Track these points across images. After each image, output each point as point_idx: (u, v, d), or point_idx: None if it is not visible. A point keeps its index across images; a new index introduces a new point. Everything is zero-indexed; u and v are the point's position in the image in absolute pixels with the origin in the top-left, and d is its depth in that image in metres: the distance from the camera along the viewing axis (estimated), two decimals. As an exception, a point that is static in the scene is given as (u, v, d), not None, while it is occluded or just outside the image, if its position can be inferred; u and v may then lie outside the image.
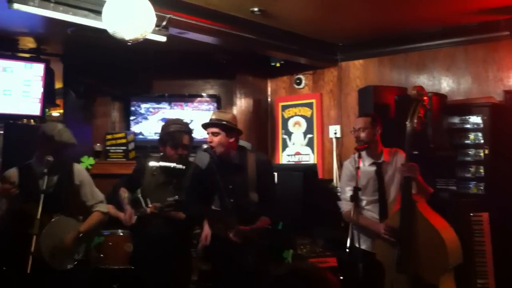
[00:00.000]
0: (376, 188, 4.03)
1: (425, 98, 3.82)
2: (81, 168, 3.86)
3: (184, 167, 3.91)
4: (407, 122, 3.73)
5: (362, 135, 4.02)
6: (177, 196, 3.69)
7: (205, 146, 3.78)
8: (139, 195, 4.05)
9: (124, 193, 4.01)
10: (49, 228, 3.40)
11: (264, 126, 6.72)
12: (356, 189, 3.73)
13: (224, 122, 3.76)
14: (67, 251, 3.51)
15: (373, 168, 4.05)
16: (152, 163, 4.00)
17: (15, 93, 5.59)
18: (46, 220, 3.36)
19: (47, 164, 3.39)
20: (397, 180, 3.98)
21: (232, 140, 3.78)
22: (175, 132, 3.95)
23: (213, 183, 3.70)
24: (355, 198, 3.71)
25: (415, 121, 3.71)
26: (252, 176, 3.76)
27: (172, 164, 3.90)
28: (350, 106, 6.04)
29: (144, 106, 6.44)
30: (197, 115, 6.37)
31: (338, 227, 4.77)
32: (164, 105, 6.45)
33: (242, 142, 4.12)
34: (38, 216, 3.09)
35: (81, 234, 3.59)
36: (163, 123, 4.19)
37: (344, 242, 3.81)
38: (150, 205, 3.80)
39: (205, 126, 3.86)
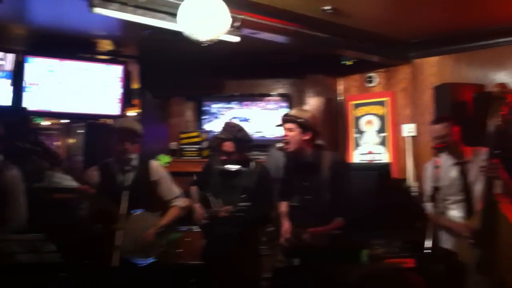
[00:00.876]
0: (460, 188, 3.91)
1: (509, 95, 3.67)
2: (158, 165, 3.98)
3: (248, 169, 3.97)
4: (489, 120, 3.59)
5: (446, 139, 3.92)
6: (248, 203, 3.81)
7: (278, 145, 3.81)
8: (208, 194, 4.17)
9: (194, 191, 4.16)
10: (130, 223, 3.52)
11: (335, 125, 6.66)
12: (435, 189, 3.64)
13: (300, 120, 3.76)
14: (148, 245, 3.62)
15: (456, 168, 3.94)
16: (217, 166, 4.12)
17: (96, 94, 5.85)
18: (127, 215, 3.48)
19: (126, 162, 3.52)
20: (482, 180, 3.84)
21: (306, 138, 3.78)
22: (215, 139, 4.06)
23: (290, 180, 3.74)
24: (434, 198, 3.62)
25: (498, 119, 3.57)
26: (326, 177, 3.75)
27: (232, 167, 4.00)
28: (424, 104, 5.88)
29: (215, 106, 6.57)
30: (265, 115, 6.43)
31: (414, 228, 4.66)
32: (234, 104, 6.54)
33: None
34: (120, 212, 3.21)
35: (161, 229, 3.69)
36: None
37: (421, 242, 3.72)
38: (222, 209, 3.90)
39: (282, 121, 3.89)
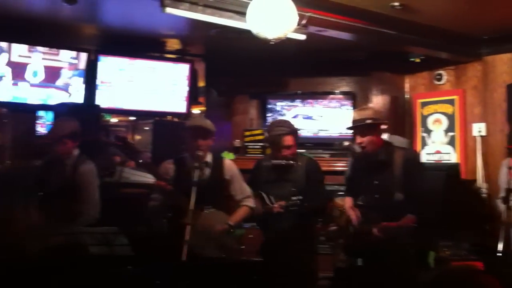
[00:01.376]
0: None
1: None
2: (231, 163, 4.03)
3: (293, 162, 4.00)
4: None
5: None
6: (301, 196, 3.82)
7: (346, 143, 3.80)
8: (261, 192, 4.22)
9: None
10: (201, 220, 3.59)
11: (401, 124, 6.52)
12: (507, 191, 3.51)
13: (368, 121, 3.72)
14: (217, 242, 3.68)
15: None
16: (265, 162, 4.15)
17: (163, 92, 6.01)
18: (198, 211, 3.55)
19: (197, 158, 3.59)
20: None
21: (378, 136, 3.76)
22: (276, 136, 4.07)
23: (357, 178, 3.71)
24: (506, 200, 3.49)
25: None
26: (398, 174, 3.69)
27: (282, 161, 4.02)
28: (497, 103, 5.67)
29: (279, 103, 6.59)
30: (329, 113, 6.39)
31: (482, 230, 4.52)
32: (297, 102, 6.53)
33: (397, 138, 4.09)
34: (191, 207, 3.28)
35: (230, 228, 3.75)
36: (269, 125, 4.34)
37: (490, 245, 3.60)
38: (275, 204, 3.92)
39: (351, 129, 3.86)
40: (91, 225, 3.92)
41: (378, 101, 6.45)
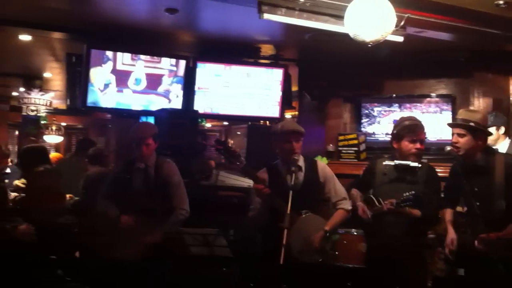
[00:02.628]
0: None
1: None
2: (324, 165, 3.99)
3: (419, 165, 3.82)
4: None
5: None
6: (413, 191, 3.62)
7: (448, 148, 3.64)
8: (371, 195, 4.09)
9: (355, 193, 4.10)
10: (298, 224, 3.60)
11: (507, 129, 6.17)
12: None
13: (471, 124, 3.55)
14: (314, 247, 3.67)
15: None
16: (386, 162, 3.98)
17: (257, 96, 6.11)
18: (295, 215, 3.56)
19: (293, 163, 3.60)
20: None
21: (479, 142, 3.56)
22: (413, 125, 3.88)
23: (458, 185, 3.55)
24: None
25: None
26: (499, 181, 3.49)
27: (408, 162, 3.84)
28: None
29: (374, 107, 6.46)
30: (427, 117, 6.17)
31: None
32: (394, 107, 6.37)
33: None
34: (288, 211, 3.30)
35: (327, 233, 3.72)
36: (397, 120, 4.16)
37: None
38: (386, 202, 3.78)
39: (451, 125, 3.70)
40: (190, 225, 4.02)
41: (479, 104, 6.14)
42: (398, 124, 4.02)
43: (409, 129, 3.86)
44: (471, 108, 5.20)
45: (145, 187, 4.07)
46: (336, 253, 4.85)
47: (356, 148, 6.24)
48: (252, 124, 6.32)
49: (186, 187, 5.22)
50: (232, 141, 11.99)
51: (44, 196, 4.60)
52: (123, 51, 5.48)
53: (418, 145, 3.89)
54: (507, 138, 4.91)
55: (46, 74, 8.26)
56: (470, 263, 3.70)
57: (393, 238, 3.82)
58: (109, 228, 4.06)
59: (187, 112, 5.53)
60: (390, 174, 3.95)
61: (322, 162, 4.06)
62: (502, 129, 4.91)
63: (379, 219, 3.89)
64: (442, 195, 4.03)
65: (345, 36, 3.95)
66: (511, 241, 3.43)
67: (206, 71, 5.87)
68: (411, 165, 3.83)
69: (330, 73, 6.38)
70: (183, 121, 4.87)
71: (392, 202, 3.72)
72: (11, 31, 5.50)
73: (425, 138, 3.99)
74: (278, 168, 3.82)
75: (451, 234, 3.73)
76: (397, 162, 3.90)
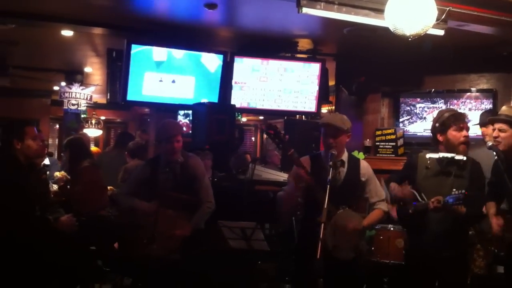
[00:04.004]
0: None
1: None
2: (367, 165, 3.92)
3: (465, 158, 3.71)
4: None
5: None
6: (464, 190, 3.47)
7: (489, 143, 3.57)
8: (413, 190, 3.98)
9: (394, 187, 4.01)
10: (335, 219, 3.57)
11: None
12: None
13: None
14: (349, 243, 3.65)
15: None
16: (429, 155, 3.86)
17: (294, 91, 6.10)
18: (333, 211, 3.55)
19: (331, 157, 3.57)
20: None
21: None
22: (457, 114, 3.75)
23: (500, 182, 3.47)
24: None
25: None
26: None
27: (453, 154, 3.72)
28: None
29: (413, 102, 6.38)
30: (470, 112, 6.05)
31: None
32: (439, 103, 6.26)
33: None
34: (325, 206, 3.28)
35: (365, 229, 3.71)
36: (436, 115, 4.04)
37: None
38: (432, 199, 3.67)
39: (493, 121, 3.63)
40: (228, 219, 4.05)
41: (522, 99, 6.00)
42: (440, 116, 3.89)
43: (454, 118, 3.71)
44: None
45: (173, 182, 4.14)
46: (372, 248, 4.85)
47: (393, 143, 6.17)
48: (288, 118, 6.31)
49: (223, 180, 5.30)
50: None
51: (88, 189, 4.74)
52: (162, 45, 5.54)
53: (465, 133, 3.74)
54: None
55: (87, 69, 8.44)
56: (509, 260, 3.63)
57: (436, 236, 3.73)
58: (145, 221, 4.14)
59: (225, 106, 5.57)
60: (433, 168, 3.83)
61: (365, 162, 3.99)
62: None
63: (422, 215, 3.80)
64: (486, 191, 3.94)
65: (385, 30, 3.92)
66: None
67: (243, 66, 5.89)
68: (456, 157, 3.69)
69: (368, 68, 6.32)
70: (221, 116, 4.89)
71: (439, 199, 3.55)
72: (53, 27, 5.62)
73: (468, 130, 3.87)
74: (321, 159, 3.79)
75: (498, 220, 3.62)
76: (441, 154, 3.78)
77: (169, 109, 5.76)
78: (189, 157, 4.24)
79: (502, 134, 3.53)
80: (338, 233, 3.59)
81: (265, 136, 11.98)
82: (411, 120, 6.34)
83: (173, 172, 4.15)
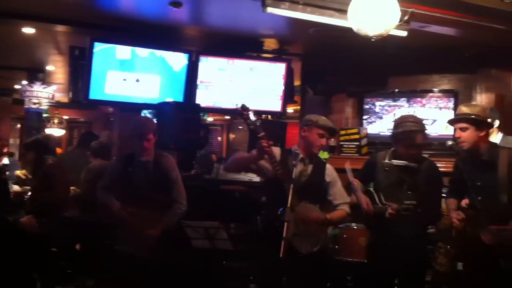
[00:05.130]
0: None
1: None
2: (332, 167, 3.97)
3: (416, 165, 3.82)
4: None
5: None
6: (415, 202, 3.66)
7: (450, 142, 3.64)
8: (371, 189, 4.09)
9: (357, 184, 4.10)
10: (297, 211, 3.54)
11: (509, 124, 6.16)
12: None
13: (472, 116, 3.55)
14: (312, 233, 3.65)
15: None
16: (385, 161, 3.98)
17: (260, 91, 6.11)
18: (296, 204, 3.54)
19: (295, 156, 3.59)
20: None
21: (482, 134, 3.57)
22: (409, 132, 3.87)
23: (461, 179, 3.56)
24: None
25: None
26: (504, 175, 3.49)
27: (405, 162, 3.85)
28: None
29: (377, 103, 6.45)
30: (430, 112, 6.17)
31: None
32: (398, 102, 6.36)
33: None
34: (289, 205, 3.29)
35: (326, 220, 3.72)
36: (397, 120, 4.13)
37: None
38: (389, 209, 3.79)
39: (452, 121, 3.71)
40: (192, 219, 4.03)
41: (482, 99, 6.14)
42: (396, 125, 4.01)
43: (404, 136, 3.86)
44: (472, 103, 5.19)
45: (144, 181, 4.08)
46: (336, 247, 4.89)
47: (357, 143, 6.23)
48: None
49: (189, 180, 5.26)
50: (234, 136, 12.02)
51: (50, 189, 4.64)
52: (126, 44, 5.47)
53: (412, 150, 3.88)
54: (499, 132, 4.94)
55: (49, 67, 8.27)
56: (470, 256, 3.71)
57: (396, 235, 3.82)
58: (112, 221, 4.08)
59: (190, 105, 5.53)
60: (391, 171, 3.95)
61: (330, 165, 4.02)
62: (497, 122, 4.94)
63: (382, 215, 3.89)
64: (447, 189, 4.04)
65: (350, 30, 3.95)
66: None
67: (209, 65, 5.87)
68: (408, 165, 3.85)
69: (334, 68, 6.38)
70: (186, 115, 4.87)
71: (394, 208, 3.73)
72: (14, 24, 5.49)
73: (425, 139, 3.92)
74: (290, 156, 3.80)
75: (459, 215, 3.67)
76: (395, 162, 3.91)
77: (133, 108, 5.68)
78: (162, 157, 4.18)
79: (463, 134, 3.59)
80: (300, 224, 3.58)
81: (231, 135, 11.99)
82: (370, 120, 6.42)
83: (145, 171, 4.09)
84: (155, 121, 4.21)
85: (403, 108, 6.29)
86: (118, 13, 5.10)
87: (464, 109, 3.69)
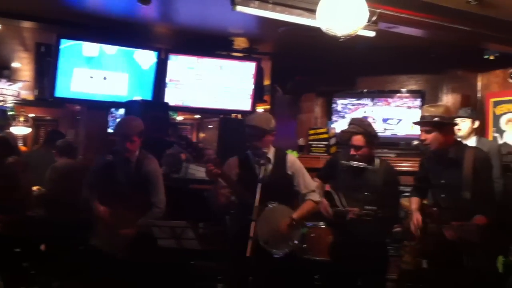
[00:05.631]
0: None
1: None
2: (294, 158, 3.98)
3: (371, 167, 3.87)
4: None
5: None
6: (375, 207, 3.76)
7: (415, 142, 3.71)
8: (331, 190, 4.18)
9: (318, 183, 4.17)
10: (265, 215, 3.57)
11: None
12: None
13: (436, 119, 3.61)
14: (282, 237, 3.67)
15: None
16: (342, 161, 4.05)
17: (230, 90, 6.09)
18: (263, 207, 3.55)
19: (261, 156, 3.59)
20: None
21: (447, 134, 3.63)
22: (344, 133, 3.99)
23: (426, 177, 3.62)
24: None
25: None
26: (468, 173, 3.56)
27: (360, 164, 3.91)
28: None
29: (345, 102, 6.51)
30: (397, 112, 6.26)
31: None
32: (365, 101, 6.43)
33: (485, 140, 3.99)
34: (256, 204, 3.29)
35: (294, 222, 3.72)
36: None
37: None
38: (350, 214, 3.87)
39: (417, 124, 3.76)
40: (160, 219, 4.00)
41: (448, 99, 6.26)
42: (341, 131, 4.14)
43: (341, 137, 3.98)
44: (435, 104, 5.25)
45: (125, 181, 4.05)
46: (304, 246, 4.91)
47: (326, 142, 6.28)
48: (224, 117, 6.29)
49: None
50: (204, 135, 11.95)
51: (12, 188, 4.53)
52: (93, 41, 5.38)
53: (352, 151, 3.97)
54: (475, 136, 4.99)
55: (15, 64, 8.06)
56: (434, 254, 3.78)
57: (357, 236, 3.88)
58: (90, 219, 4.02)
59: (158, 104, 5.47)
60: (348, 171, 4.02)
61: (292, 155, 4.04)
62: (477, 123, 5.00)
63: (343, 215, 3.95)
64: (411, 187, 4.11)
65: (318, 30, 3.96)
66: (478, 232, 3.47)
67: (178, 63, 5.81)
68: (362, 167, 3.91)
69: (303, 67, 6.40)
70: (154, 113, 4.81)
71: (355, 212, 3.83)
72: (-22, 19, 5.36)
73: (366, 142, 3.96)
74: (249, 159, 3.81)
75: (417, 214, 3.79)
76: (353, 163, 3.98)
77: (101, 107, 5.60)
78: (145, 158, 4.12)
79: (428, 136, 3.65)
80: (269, 228, 3.60)
81: (201, 135, 11.92)
82: (338, 116, 6.48)
83: (126, 171, 4.05)
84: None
85: (367, 107, 6.37)
86: (85, 10, 5.00)
87: (427, 111, 3.74)
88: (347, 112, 6.46)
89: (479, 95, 6.36)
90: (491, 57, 5.79)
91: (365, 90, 6.47)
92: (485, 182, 3.61)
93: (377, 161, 4.03)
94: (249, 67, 6.11)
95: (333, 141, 6.33)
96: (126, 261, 3.86)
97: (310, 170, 4.27)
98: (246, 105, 6.21)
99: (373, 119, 6.23)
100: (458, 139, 3.89)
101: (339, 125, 6.39)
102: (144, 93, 5.67)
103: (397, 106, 6.32)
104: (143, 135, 4.09)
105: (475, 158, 3.59)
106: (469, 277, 3.44)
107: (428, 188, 3.89)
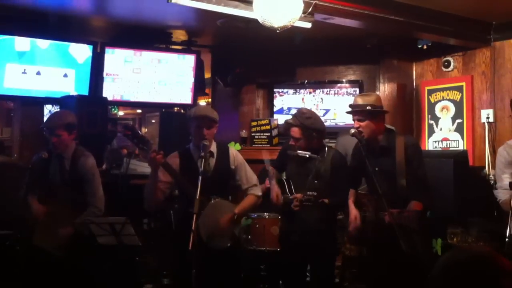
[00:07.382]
0: None
1: None
2: (237, 152, 3.97)
3: (317, 156, 3.93)
4: None
5: None
6: (315, 193, 3.78)
7: (352, 130, 3.77)
8: (283, 178, 4.21)
9: (272, 171, 4.21)
10: (207, 210, 3.56)
11: (409, 112, 6.49)
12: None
13: (368, 107, 3.70)
14: (223, 231, 3.67)
15: None
16: (290, 151, 4.10)
17: (169, 83, 6.01)
18: (205, 201, 3.53)
19: (203, 148, 3.56)
20: None
21: (379, 122, 3.73)
22: (284, 124, 4.05)
23: (360, 166, 3.70)
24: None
25: None
26: (401, 160, 3.67)
27: (305, 153, 3.96)
28: (505, 88, 5.61)
29: (286, 93, 6.56)
30: (336, 101, 6.37)
31: (492, 217, 4.50)
32: (305, 91, 6.51)
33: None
34: (197, 197, 3.26)
35: (236, 216, 3.72)
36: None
37: (500, 232, 3.58)
38: (293, 198, 3.90)
39: (350, 113, 3.84)
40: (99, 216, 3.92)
41: (385, 89, 6.42)
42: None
43: (282, 128, 4.01)
44: (367, 93, 5.36)
45: (60, 178, 3.94)
46: (249, 237, 4.93)
47: (268, 134, 6.31)
48: (165, 111, 6.22)
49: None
50: (146, 130, 11.79)
51: None
52: (25, 35, 5.18)
53: (291, 142, 4.04)
54: None
55: None
56: (371, 241, 3.88)
57: (305, 222, 3.92)
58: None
59: (95, 98, 5.34)
60: (296, 160, 4.07)
61: (234, 149, 4.03)
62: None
63: (290, 203, 3.98)
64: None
65: (255, 22, 3.97)
66: (415, 216, 3.58)
67: (115, 57, 5.69)
68: (308, 156, 3.96)
69: (243, 60, 6.40)
70: (91, 108, 4.69)
71: (298, 198, 3.85)
72: None
73: (303, 134, 3.98)
74: (190, 153, 3.77)
75: (353, 211, 3.90)
76: (298, 152, 4.02)
77: (35, 103, 5.41)
78: (81, 156, 3.99)
79: (362, 124, 3.74)
80: (212, 223, 3.60)
81: (143, 129, 11.76)
82: (279, 107, 6.53)
83: (60, 168, 3.94)
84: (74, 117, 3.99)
85: (307, 97, 6.46)
86: (16, 2, 4.80)
87: (359, 100, 3.84)
88: (291, 102, 6.52)
89: (414, 83, 6.55)
90: (424, 47, 5.98)
91: (305, 81, 6.55)
92: (418, 168, 3.73)
93: (326, 150, 4.09)
94: (189, 60, 6.06)
95: (275, 132, 6.38)
96: (64, 260, 3.76)
97: (253, 161, 4.30)
98: (187, 98, 6.16)
99: (314, 109, 6.31)
100: (389, 127, 3.99)
101: (282, 114, 6.47)
102: (81, 88, 5.52)
103: (337, 95, 6.44)
104: (74, 130, 3.97)
105: (406, 145, 3.72)
106: (407, 259, 3.54)
107: (361, 177, 3.99)
